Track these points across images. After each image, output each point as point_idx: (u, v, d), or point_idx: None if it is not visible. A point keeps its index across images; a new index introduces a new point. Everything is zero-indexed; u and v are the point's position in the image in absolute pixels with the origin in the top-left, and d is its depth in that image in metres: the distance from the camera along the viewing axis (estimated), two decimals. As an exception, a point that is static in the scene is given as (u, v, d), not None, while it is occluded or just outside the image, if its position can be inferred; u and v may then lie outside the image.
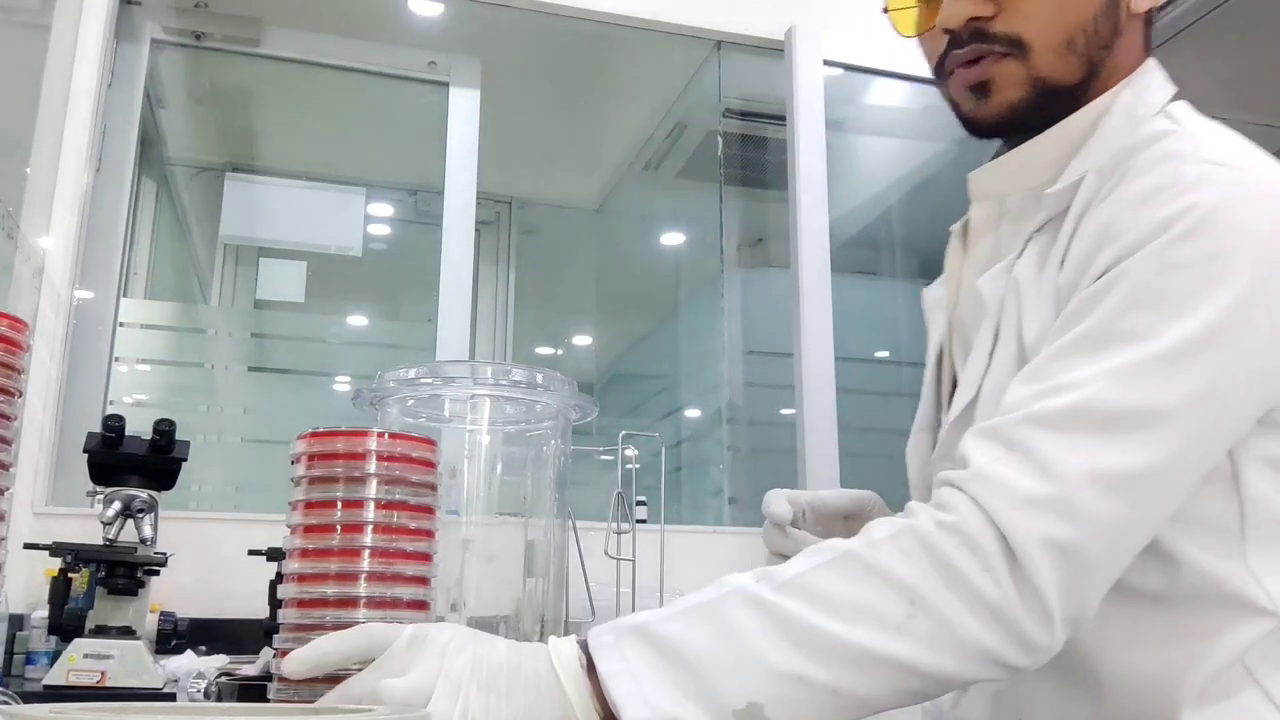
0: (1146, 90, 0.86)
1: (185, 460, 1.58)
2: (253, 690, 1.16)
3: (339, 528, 0.70)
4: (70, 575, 1.49)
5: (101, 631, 1.46)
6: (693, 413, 4.03)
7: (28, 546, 1.54)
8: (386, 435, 0.72)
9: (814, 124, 2.85)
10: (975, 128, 0.87)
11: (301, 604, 0.69)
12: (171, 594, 1.75)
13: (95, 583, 1.50)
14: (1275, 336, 0.71)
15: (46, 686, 1.42)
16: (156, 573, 1.55)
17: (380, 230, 4.06)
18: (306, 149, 3.93)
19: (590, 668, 0.64)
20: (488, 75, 3.04)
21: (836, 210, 2.82)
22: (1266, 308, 0.70)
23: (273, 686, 0.70)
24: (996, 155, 0.93)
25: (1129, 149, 0.79)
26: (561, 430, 0.91)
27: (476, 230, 2.94)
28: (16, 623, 1.88)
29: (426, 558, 0.70)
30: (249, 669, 1.64)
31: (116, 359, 2.56)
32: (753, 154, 3.32)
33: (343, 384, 3.26)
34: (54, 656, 1.52)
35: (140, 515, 1.53)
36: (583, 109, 3.89)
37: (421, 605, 0.69)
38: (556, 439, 0.92)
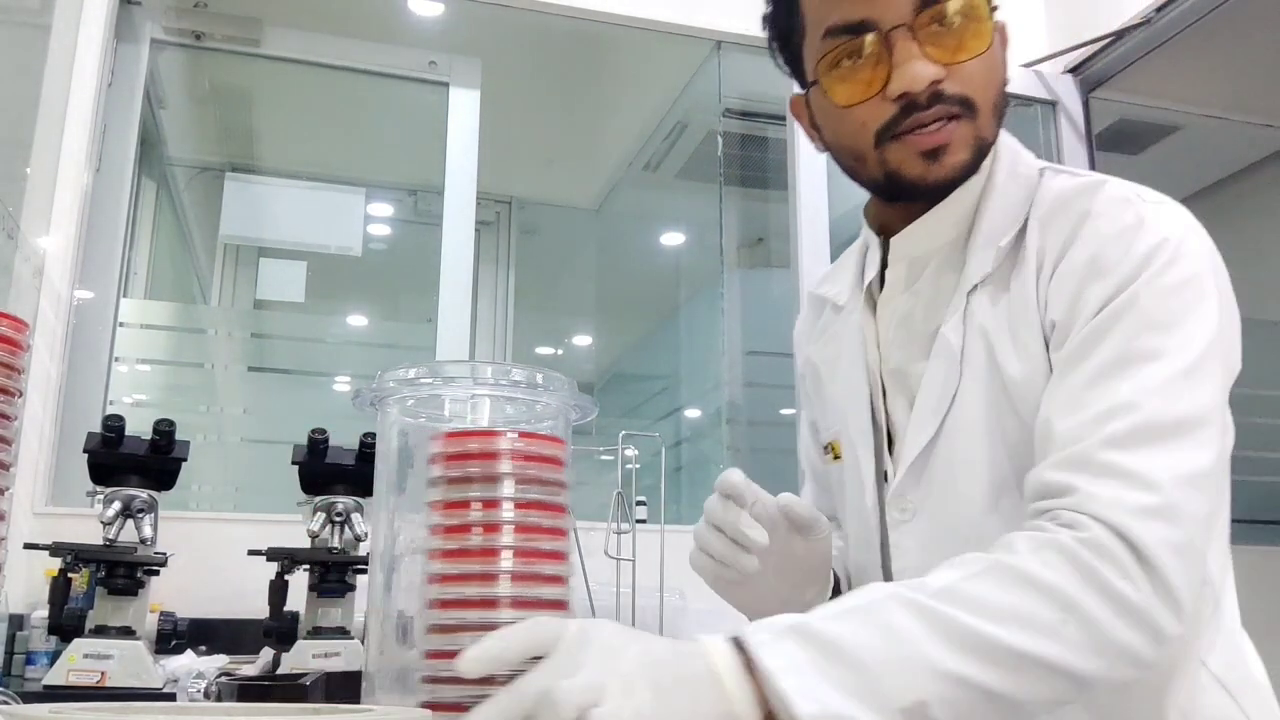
0: (1017, 154, 0.94)
1: (185, 460, 1.58)
2: (253, 690, 1.16)
3: (479, 528, 0.69)
4: (70, 575, 1.50)
5: (101, 631, 1.46)
6: (693, 413, 4.03)
7: (28, 546, 1.55)
8: (520, 435, 0.72)
9: (814, 124, 2.85)
10: (916, 190, 0.89)
11: (444, 604, 0.68)
12: (171, 594, 1.75)
13: (95, 583, 1.51)
14: (1232, 342, 0.83)
15: (46, 686, 1.42)
16: (156, 573, 1.56)
17: (380, 230, 4.06)
18: (306, 149, 3.94)
19: (748, 666, 0.65)
20: (488, 75, 3.04)
21: (836, 210, 2.83)
22: (1226, 319, 0.82)
23: (426, 688, 0.69)
24: (876, 218, 0.99)
25: (1065, 198, 0.87)
26: (561, 430, 0.91)
27: (476, 230, 2.94)
28: (16, 623, 1.88)
29: (562, 557, 0.70)
30: (249, 669, 1.64)
31: (116, 359, 2.56)
32: (753, 154, 3.32)
33: (343, 384, 3.26)
34: (54, 656, 1.52)
35: (140, 515, 1.53)
36: (583, 109, 3.89)
37: (561, 604, 0.69)
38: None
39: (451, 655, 0.65)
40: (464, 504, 0.70)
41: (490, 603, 0.68)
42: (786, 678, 0.63)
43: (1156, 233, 0.81)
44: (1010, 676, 0.66)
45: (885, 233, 0.97)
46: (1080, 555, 0.69)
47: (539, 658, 0.62)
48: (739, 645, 0.66)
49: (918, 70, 0.84)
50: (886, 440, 0.96)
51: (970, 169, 0.88)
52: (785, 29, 0.95)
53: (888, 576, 0.95)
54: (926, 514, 0.91)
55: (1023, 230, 0.89)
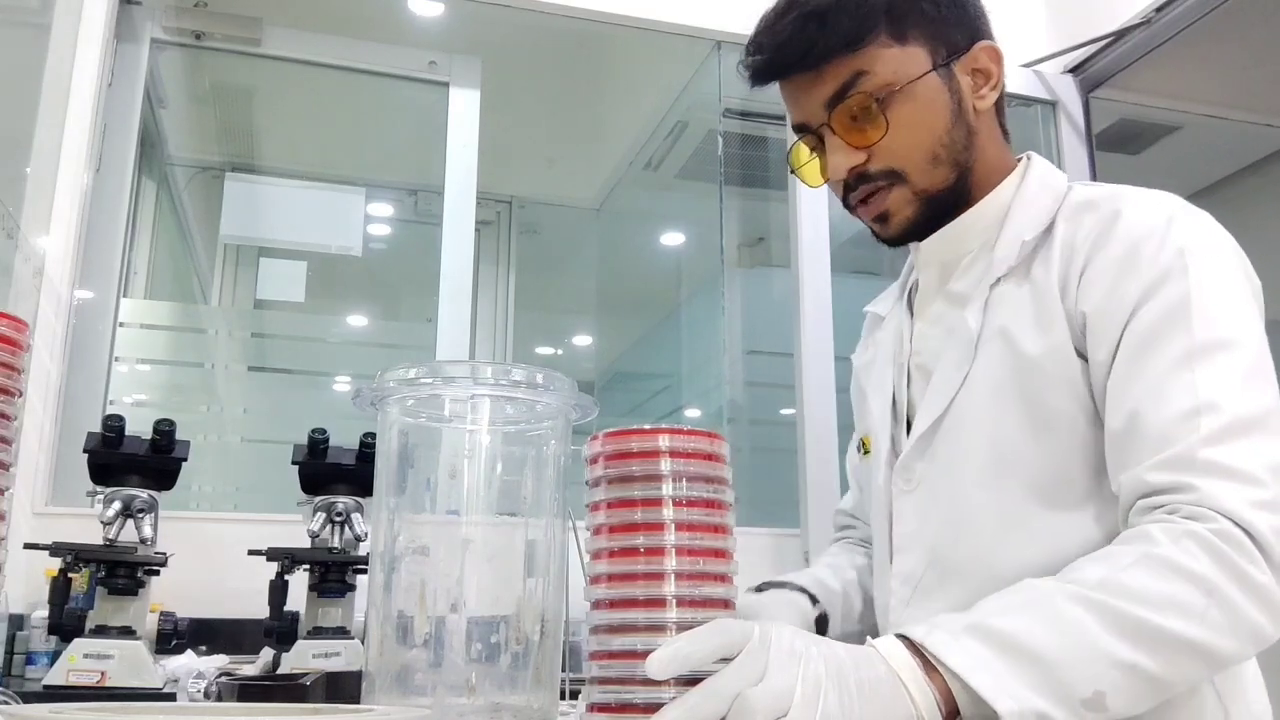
0: (1048, 171, 1.02)
1: (185, 460, 1.58)
2: (253, 690, 1.16)
3: (644, 527, 0.69)
4: (70, 575, 1.49)
5: (101, 631, 1.46)
6: (693, 412, 4.03)
7: (28, 546, 1.55)
8: (679, 432, 0.72)
9: (814, 124, 2.85)
10: (888, 244, 1.03)
11: (613, 605, 0.68)
12: (171, 594, 1.75)
13: (95, 583, 1.50)
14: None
15: (46, 686, 1.42)
16: (156, 573, 1.55)
17: (380, 230, 4.06)
18: (306, 149, 3.94)
19: (925, 667, 0.67)
20: (488, 75, 3.04)
21: (836, 210, 2.82)
22: (1260, 312, 0.88)
23: (594, 690, 0.68)
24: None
25: (1093, 199, 0.94)
26: (562, 430, 0.91)
27: (476, 230, 2.94)
28: (16, 623, 1.88)
29: (727, 555, 0.70)
30: (249, 669, 1.64)
31: (116, 359, 2.56)
32: (753, 154, 3.32)
33: (343, 384, 3.26)
34: (54, 656, 1.52)
35: (140, 515, 1.53)
36: (583, 109, 3.89)
37: (729, 603, 0.69)
38: (556, 439, 0.92)
39: (620, 656, 0.66)
40: (627, 503, 0.70)
41: (658, 602, 0.67)
42: (979, 676, 0.66)
43: (1188, 231, 0.87)
44: (1169, 660, 0.71)
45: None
46: (1215, 544, 0.74)
47: (723, 658, 0.63)
48: (913, 646, 0.68)
49: (836, 162, 0.97)
50: (907, 425, 1.02)
51: (922, 219, 0.99)
52: None
53: (890, 544, 1.00)
54: (928, 485, 0.97)
55: (1049, 228, 0.95)
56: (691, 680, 0.63)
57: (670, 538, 0.69)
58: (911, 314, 1.07)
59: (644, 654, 0.64)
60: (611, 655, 0.67)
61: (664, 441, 0.71)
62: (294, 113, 3.73)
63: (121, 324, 2.56)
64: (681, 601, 0.68)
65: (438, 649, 0.86)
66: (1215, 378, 0.81)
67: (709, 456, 0.72)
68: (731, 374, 3.21)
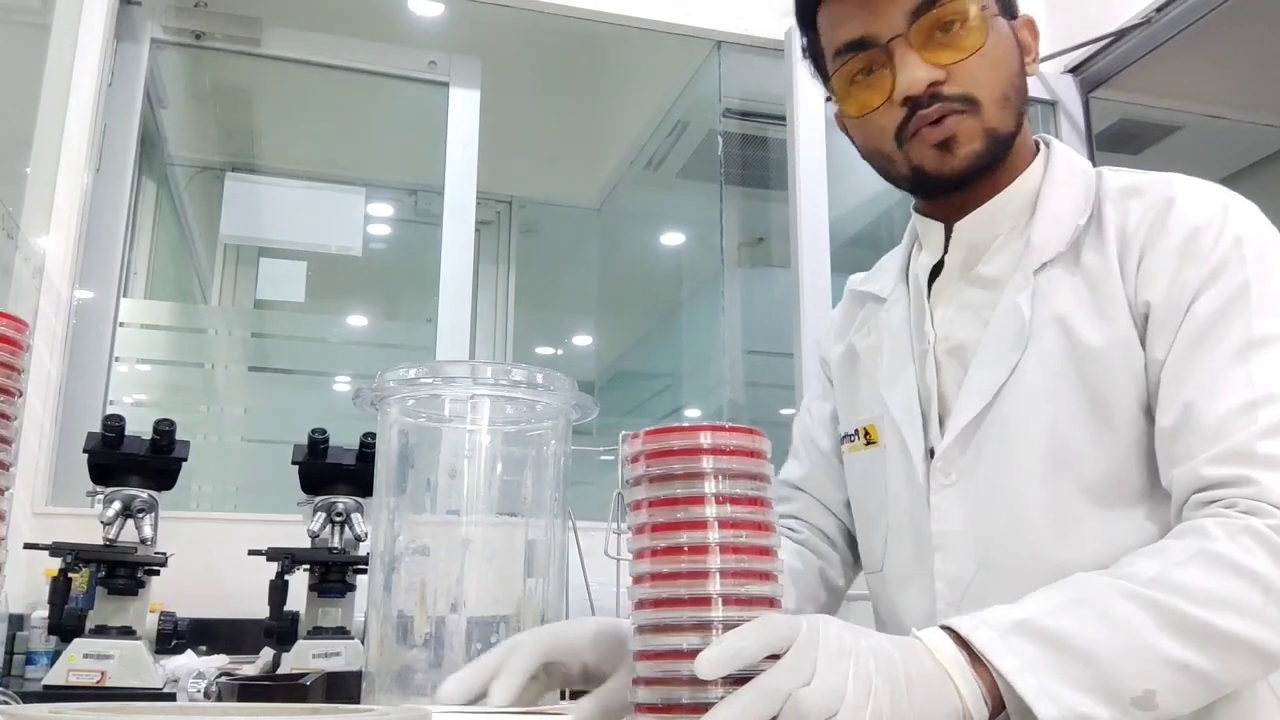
0: (1071, 155, 1.01)
1: (185, 460, 1.58)
2: (253, 690, 1.16)
3: (687, 525, 0.69)
4: (70, 575, 1.49)
5: (101, 631, 1.46)
6: (693, 412, 4.03)
7: (28, 546, 1.55)
8: (721, 429, 0.71)
9: (814, 124, 2.85)
10: (940, 182, 0.95)
11: (657, 604, 0.68)
12: (171, 594, 1.75)
13: (95, 583, 1.51)
14: None
15: (46, 686, 1.42)
16: (156, 573, 1.56)
17: (380, 230, 4.06)
18: (306, 149, 3.94)
19: (974, 663, 0.67)
20: (488, 75, 3.04)
21: (836, 210, 2.82)
22: None
23: (640, 690, 0.68)
24: (935, 209, 1.03)
25: (1139, 185, 0.92)
26: (561, 430, 0.91)
27: (476, 230, 2.94)
28: (16, 623, 1.88)
29: (771, 552, 0.69)
30: (249, 669, 1.64)
31: (116, 359, 2.56)
32: (753, 154, 3.32)
33: (343, 384, 3.26)
34: (54, 656, 1.52)
35: (140, 515, 1.53)
36: (583, 109, 3.89)
37: (774, 602, 0.68)
38: (556, 439, 0.92)
39: (665, 656, 0.65)
40: (669, 502, 0.69)
41: (704, 601, 0.67)
42: (1023, 678, 0.66)
43: (1243, 220, 0.87)
44: (1223, 659, 0.70)
45: (946, 221, 1.01)
46: (1274, 540, 0.73)
47: (771, 655, 0.63)
48: (959, 640, 0.68)
49: (915, 74, 0.90)
50: (937, 414, 0.98)
51: (986, 157, 0.93)
52: (815, 55, 1.03)
53: (930, 541, 0.96)
54: (973, 479, 0.93)
55: (1093, 213, 0.93)
56: (739, 679, 0.63)
57: (714, 535, 0.68)
58: (928, 297, 1.03)
59: (689, 653, 0.63)
60: (657, 655, 0.66)
61: (705, 439, 0.70)
62: (294, 113, 3.73)
63: (121, 324, 2.56)
64: (727, 600, 0.67)
65: (438, 649, 0.87)
66: (1273, 371, 0.80)
67: (751, 453, 0.72)
68: (731, 374, 3.21)
